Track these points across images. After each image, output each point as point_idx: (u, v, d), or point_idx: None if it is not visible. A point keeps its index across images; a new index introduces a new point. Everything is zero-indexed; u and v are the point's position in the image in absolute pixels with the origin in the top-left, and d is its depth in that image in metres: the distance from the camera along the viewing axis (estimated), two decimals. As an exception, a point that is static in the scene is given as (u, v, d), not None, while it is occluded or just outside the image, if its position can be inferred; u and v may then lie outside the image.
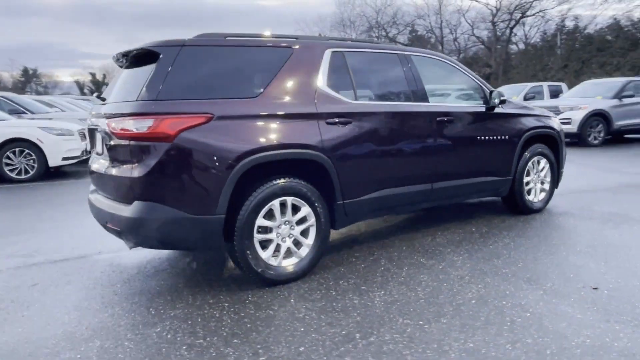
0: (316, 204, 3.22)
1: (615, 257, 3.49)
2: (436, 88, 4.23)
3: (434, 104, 3.99)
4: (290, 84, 3.23)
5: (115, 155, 2.97)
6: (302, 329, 2.54)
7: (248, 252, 2.98)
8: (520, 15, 37.53)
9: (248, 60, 3.17)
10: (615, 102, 11.18)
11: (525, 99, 14.38)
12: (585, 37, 33.42)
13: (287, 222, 3.16)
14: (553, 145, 4.95)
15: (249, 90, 3.09)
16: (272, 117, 3.08)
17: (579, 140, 11.17)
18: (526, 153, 4.66)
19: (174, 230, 2.85)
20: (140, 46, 3.05)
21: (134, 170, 2.80)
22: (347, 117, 3.38)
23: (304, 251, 3.24)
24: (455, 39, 42.40)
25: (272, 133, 3.04)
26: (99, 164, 3.27)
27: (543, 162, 4.86)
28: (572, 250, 3.69)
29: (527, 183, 4.75)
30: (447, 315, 2.65)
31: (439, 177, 3.98)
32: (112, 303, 2.98)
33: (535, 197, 4.86)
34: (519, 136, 4.55)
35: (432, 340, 2.38)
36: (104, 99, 3.52)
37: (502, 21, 38.84)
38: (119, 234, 2.96)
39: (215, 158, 2.85)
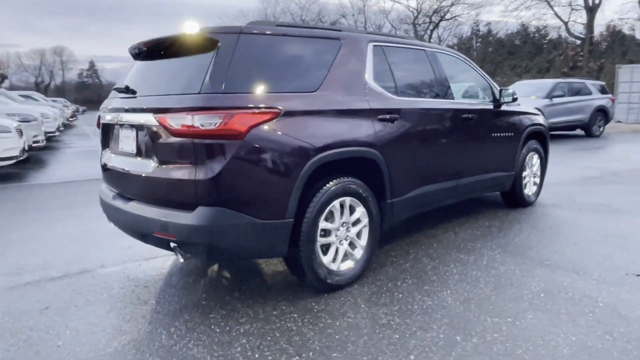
0: (370, 204, 3.10)
1: (631, 245, 3.77)
2: (454, 85, 4.28)
3: (459, 101, 4.03)
4: (343, 78, 3.06)
5: (167, 155, 2.59)
6: (396, 336, 2.42)
7: (313, 257, 2.79)
8: (439, 18, 39.69)
9: (303, 52, 2.95)
10: (547, 101, 12.20)
11: None
12: (497, 41, 36.21)
13: (344, 224, 3.00)
14: (542, 141, 5.25)
15: (308, 84, 2.88)
16: (333, 113, 2.90)
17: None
18: (524, 149, 4.89)
19: (242, 238, 2.57)
20: (190, 32, 2.71)
21: (197, 172, 2.47)
22: (394, 113, 3.28)
23: (358, 253, 3.10)
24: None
25: (335, 130, 2.87)
26: (130, 164, 2.85)
27: (535, 157, 5.13)
28: (589, 240, 3.92)
29: (524, 177, 4.99)
30: (528, 310, 2.67)
31: (463, 174, 4.04)
32: (157, 321, 2.64)
33: (530, 190, 5.12)
34: (521, 133, 4.76)
35: (532, 336, 2.38)
36: (131, 91, 3.07)
37: (423, 23, 40.83)
38: (169, 244, 2.61)
39: (285, 157, 2.61)
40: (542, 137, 5.23)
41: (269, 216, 2.59)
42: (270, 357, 2.25)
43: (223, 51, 2.56)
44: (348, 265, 3.04)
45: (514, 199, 4.97)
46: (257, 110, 2.53)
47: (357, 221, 3.08)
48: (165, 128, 2.53)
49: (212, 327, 2.57)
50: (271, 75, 2.71)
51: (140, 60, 3.12)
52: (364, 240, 3.12)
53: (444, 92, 3.89)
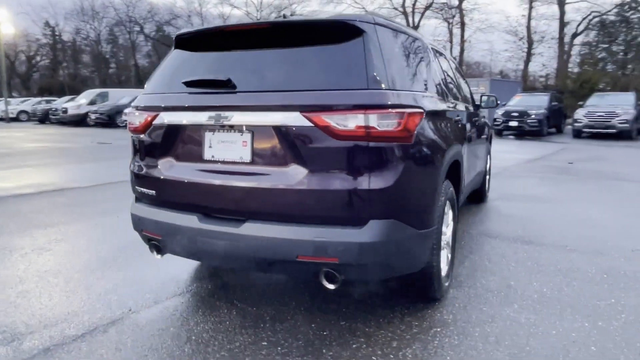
0: (455, 204, 3.07)
1: (606, 227, 4.51)
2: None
3: (465, 104, 4.27)
4: (433, 76, 2.98)
5: (325, 161, 2.13)
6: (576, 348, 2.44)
7: (439, 265, 2.65)
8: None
9: (409, 49, 2.76)
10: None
11: None
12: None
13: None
14: (489, 141, 5.89)
15: (422, 83, 2.71)
16: (445, 113, 2.81)
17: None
18: (487, 149, 5.43)
19: (405, 252, 2.29)
20: (322, 18, 2.31)
21: (372, 181, 2.11)
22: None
23: (446, 257, 3.05)
24: (218, 44, 42.90)
25: (455, 131, 2.78)
26: (242, 176, 2.28)
27: (488, 156, 5.74)
28: (569, 224, 4.57)
29: (487, 175, 5.54)
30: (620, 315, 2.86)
31: (469, 174, 4.29)
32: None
33: (488, 186, 5.70)
34: (487, 134, 5.27)
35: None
36: (231, 85, 2.40)
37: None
38: (319, 269, 2.18)
39: (435, 160, 2.43)
40: (490, 137, 5.88)
41: (424, 225, 2.37)
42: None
43: (370, 41, 2.24)
44: (445, 271, 2.96)
45: (479, 195, 5.47)
46: (418, 110, 2.29)
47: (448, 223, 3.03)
48: (324, 129, 2.10)
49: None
50: (403, 72, 2.48)
51: (226, 47, 2.51)
52: (450, 243, 3.08)
53: (464, 95, 4.09)
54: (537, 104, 17.19)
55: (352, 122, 2.07)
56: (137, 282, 3.13)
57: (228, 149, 2.33)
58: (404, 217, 2.22)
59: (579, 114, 16.16)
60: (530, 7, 30.66)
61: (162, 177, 2.51)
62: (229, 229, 2.29)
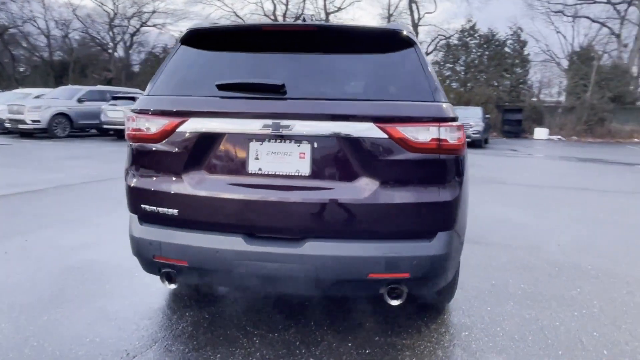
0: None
1: (525, 226, 5.17)
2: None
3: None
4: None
5: (396, 174, 2.06)
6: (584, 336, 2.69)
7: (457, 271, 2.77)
8: (140, 23, 37.96)
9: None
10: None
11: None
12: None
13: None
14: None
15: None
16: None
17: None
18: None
19: (457, 262, 2.34)
20: (374, 26, 2.24)
21: (442, 193, 2.10)
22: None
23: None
24: (66, 36, 38.10)
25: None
26: (300, 191, 2.08)
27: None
28: (496, 224, 5.14)
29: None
30: None
31: None
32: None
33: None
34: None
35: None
36: (282, 91, 2.13)
37: (119, 25, 38.09)
38: (383, 287, 2.10)
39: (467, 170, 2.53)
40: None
41: (464, 234, 2.45)
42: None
43: (420, 54, 2.26)
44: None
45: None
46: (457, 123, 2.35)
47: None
48: (399, 141, 2.04)
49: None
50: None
51: (263, 49, 2.28)
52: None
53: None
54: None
55: (427, 134, 2.06)
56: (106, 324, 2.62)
57: (281, 161, 2.11)
58: (458, 227, 2.26)
59: None
60: (388, 26, 33.70)
61: (189, 194, 2.15)
62: (287, 249, 2.07)
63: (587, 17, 28.74)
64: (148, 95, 2.28)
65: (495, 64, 29.09)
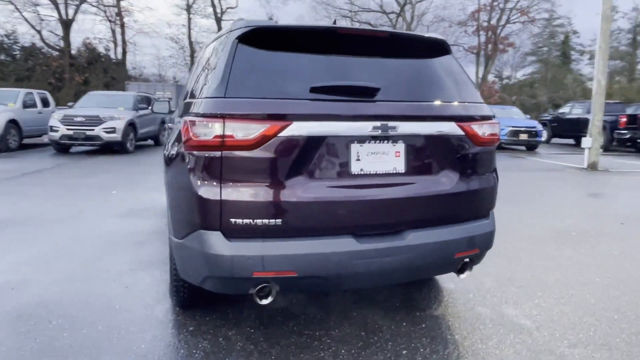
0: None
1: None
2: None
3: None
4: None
5: (469, 166, 2.38)
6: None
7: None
8: None
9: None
10: (135, 112, 12.73)
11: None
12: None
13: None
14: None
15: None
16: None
17: (120, 147, 11.93)
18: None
19: None
20: (431, 36, 2.49)
21: (494, 179, 2.52)
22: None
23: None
24: None
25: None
26: (399, 187, 2.23)
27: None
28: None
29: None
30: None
31: None
32: None
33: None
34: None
35: None
36: (370, 94, 2.07)
37: None
38: (462, 263, 2.44)
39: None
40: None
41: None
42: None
43: (457, 60, 2.63)
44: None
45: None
46: None
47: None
48: (472, 137, 2.38)
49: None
50: None
51: (336, 51, 2.29)
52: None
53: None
54: None
55: (488, 129, 2.45)
56: None
57: (379, 160, 2.22)
58: (492, 206, 2.74)
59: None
60: (189, 19, 32.72)
61: (294, 200, 2.07)
62: (393, 243, 2.21)
63: (367, 24, 33.29)
64: (225, 97, 2.06)
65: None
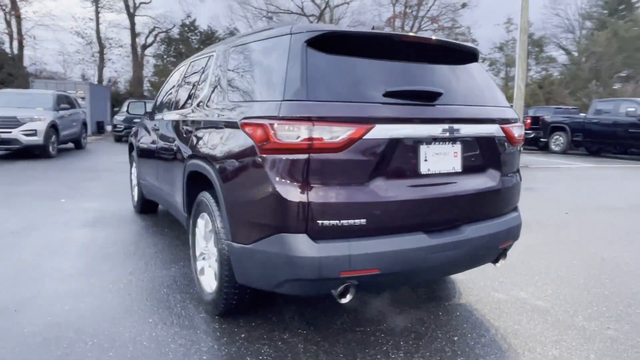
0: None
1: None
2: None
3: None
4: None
5: (508, 164, 2.63)
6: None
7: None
8: None
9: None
10: (55, 113, 11.64)
11: None
12: None
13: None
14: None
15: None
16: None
17: (42, 152, 10.85)
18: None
19: None
20: (467, 44, 2.68)
21: (518, 176, 2.79)
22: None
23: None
24: None
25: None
26: (457, 185, 2.40)
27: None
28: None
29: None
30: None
31: None
32: None
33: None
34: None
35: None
36: (431, 98, 2.17)
37: None
38: (502, 252, 2.68)
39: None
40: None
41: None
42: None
43: (482, 67, 2.87)
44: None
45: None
46: None
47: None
48: (510, 138, 2.62)
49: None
50: None
51: (397, 57, 2.39)
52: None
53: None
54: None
55: (519, 131, 2.71)
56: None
57: (441, 160, 2.37)
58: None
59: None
60: (97, 12, 30.40)
61: (377, 201, 2.15)
62: (455, 237, 2.38)
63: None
64: (309, 100, 2.08)
65: (217, 60, 30.54)
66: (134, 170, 5.52)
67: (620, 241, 4.68)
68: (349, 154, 2.11)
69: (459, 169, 2.45)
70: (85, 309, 2.85)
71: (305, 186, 2.08)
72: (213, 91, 2.99)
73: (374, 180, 2.18)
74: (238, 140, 2.35)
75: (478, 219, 2.52)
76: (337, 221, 2.10)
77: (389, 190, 2.20)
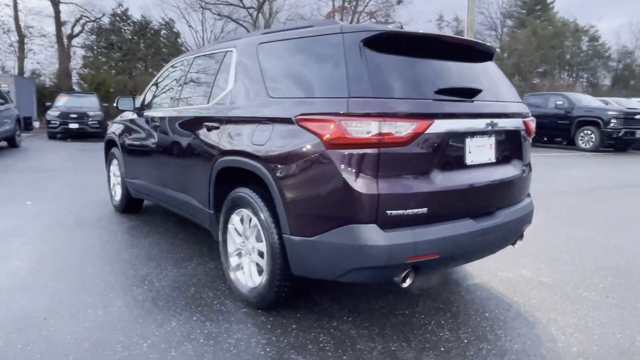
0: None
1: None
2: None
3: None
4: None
5: (525, 154, 2.90)
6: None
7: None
8: None
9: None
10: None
11: None
12: None
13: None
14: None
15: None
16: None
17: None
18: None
19: None
20: (490, 45, 2.90)
21: (530, 165, 3.08)
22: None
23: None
24: None
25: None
26: (493, 174, 2.63)
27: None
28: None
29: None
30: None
31: None
32: None
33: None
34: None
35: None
36: (479, 95, 2.46)
37: None
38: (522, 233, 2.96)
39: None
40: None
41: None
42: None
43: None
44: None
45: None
46: None
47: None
48: (527, 131, 2.90)
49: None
50: None
51: (441, 57, 2.56)
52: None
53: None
54: (89, 105, 16.85)
55: (533, 124, 2.99)
56: None
57: (481, 152, 2.59)
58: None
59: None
60: (16, -2, 27.91)
61: (436, 190, 2.32)
62: (494, 221, 2.62)
63: (230, 18, 32.78)
64: (376, 97, 2.19)
65: (153, 52, 29.27)
66: (113, 168, 5.28)
67: (585, 222, 5.23)
68: (413, 148, 2.26)
69: (493, 159, 2.69)
70: (120, 312, 2.77)
71: (375, 178, 2.20)
72: (241, 87, 3.00)
73: (432, 171, 2.35)
74: (295, 136, 2.41)
75: (507, 205, 2.78)
76: (403, 210, 2.24)
77: (444, 180, 2.38)
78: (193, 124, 3.42)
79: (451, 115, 2.41)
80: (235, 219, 2.93)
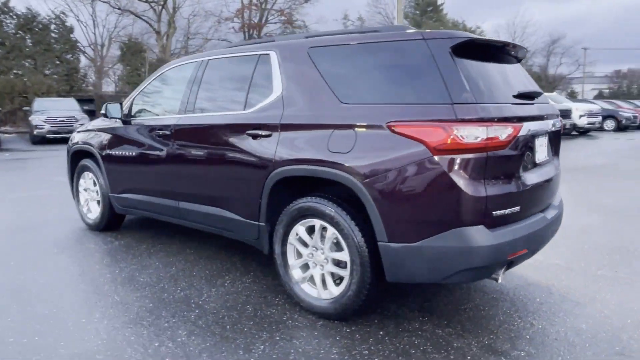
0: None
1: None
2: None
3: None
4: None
5: (558, 152, 3.15)
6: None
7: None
8: None
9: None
10: None
11: None
12: None
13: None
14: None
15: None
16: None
17: None
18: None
19: None
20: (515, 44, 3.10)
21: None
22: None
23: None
24: None
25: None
26: (550, 172, 2.87)
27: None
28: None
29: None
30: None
31: None
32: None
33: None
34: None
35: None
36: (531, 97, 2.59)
37: None
38: None
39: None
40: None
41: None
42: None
43: None
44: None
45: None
46: None
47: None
48: (561, 129, 3.17)
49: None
50: None
51: (492, 60, 2.69)
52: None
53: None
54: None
55: (561, 123, 3.29)
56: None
57: (541, 151, 2.82)
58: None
59: (37, 119, 15.76)
60: None
61: (524, 189, 2.48)
62: (554, 213, 2.86)
63: (130, 11, 30.54)
64: (479, 103, 2.28)
65: (43, 49, 26.28)
66: (85, 183, 4.71)
67: (572, 205, 5.65)
68: (509, 150, 2.38)
69: (548, 157, 2.94)
70: (190, 343, 2.53)
71: (483, 181, 2.29)
72: (295, 92, 2.88)
73: (520, 171, 2.51)
74: (389, 142, 2.39)
75: (554, 197, 3.04)
76: (504, 210, 2.36)
77: (528, 179, 2.55)
78: (227, 131, 3.20)
79: (531, 118, 2.58)
80: (299, 229, 2.82)
